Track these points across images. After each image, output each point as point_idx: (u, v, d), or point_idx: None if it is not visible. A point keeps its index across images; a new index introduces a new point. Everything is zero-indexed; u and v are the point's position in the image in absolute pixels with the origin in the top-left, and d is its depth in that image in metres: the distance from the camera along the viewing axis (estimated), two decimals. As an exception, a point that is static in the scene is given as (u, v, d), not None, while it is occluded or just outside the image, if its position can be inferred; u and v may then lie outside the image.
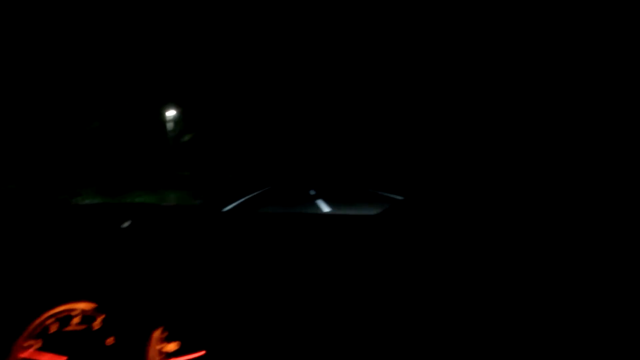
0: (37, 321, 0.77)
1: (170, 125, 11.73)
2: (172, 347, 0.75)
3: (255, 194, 11.33)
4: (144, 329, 0.74)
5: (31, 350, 0.76)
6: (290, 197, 11.23)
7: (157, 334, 0.75)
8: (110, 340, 0.74)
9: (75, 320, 0.77)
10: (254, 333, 0.72)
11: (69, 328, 0.77)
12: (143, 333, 0.74)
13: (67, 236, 0.84)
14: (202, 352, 0.73)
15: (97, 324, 0.77)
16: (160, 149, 10.67)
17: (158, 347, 0.75)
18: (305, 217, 1.07)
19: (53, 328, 0.77)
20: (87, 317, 0.78)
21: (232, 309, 0.74)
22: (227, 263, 0.80)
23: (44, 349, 0.76)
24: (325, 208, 7.55)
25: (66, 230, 0.87)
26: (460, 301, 0.72)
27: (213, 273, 0.78)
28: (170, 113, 12.19)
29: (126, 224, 0.86)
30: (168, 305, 0.75)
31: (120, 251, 0.81)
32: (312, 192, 14.27)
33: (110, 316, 0.76)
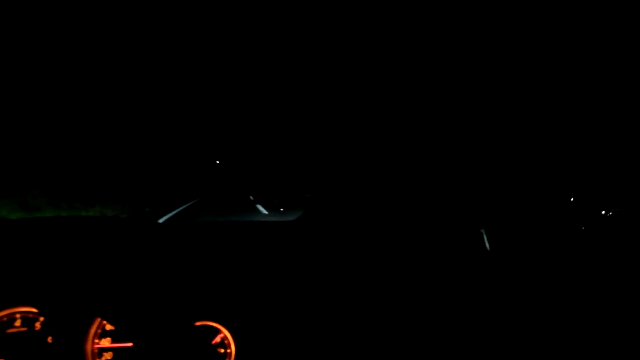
0: None
1: None
2: (105, 342, 0.89)
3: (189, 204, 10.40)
4: (80, 328, 0.88)
5: None
6: (230, 202, 11.04)
7: (92, 330, 0.89)
8: (49, 339, 0.86)
9: (17, 323, 0.88)
10: (179, 331, 0.88)
11: (11, 330, 0.88)
12: (79, 331, 0.87)
13: (7, 249, 0.94)
14: (130, 344, 0.88)
15: (37, 325, 0.88)
16: None
17: (94, 342, 0.89)
18: (241, 225, 1.22)
19: None
20: (27, 320, 0.89)
21: (166, 309, 0.89)
22: (162, 268, 0.93)
23: None
24: (264, 211, 7.86)
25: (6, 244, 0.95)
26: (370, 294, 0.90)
27: (149, 279, 0.91)
28: None
29: None
30: (102, 307, 0.88)
31: (57, 262, 0.92)
32: (252, 198, 14.23)
33: (48, 318, 0.88)
